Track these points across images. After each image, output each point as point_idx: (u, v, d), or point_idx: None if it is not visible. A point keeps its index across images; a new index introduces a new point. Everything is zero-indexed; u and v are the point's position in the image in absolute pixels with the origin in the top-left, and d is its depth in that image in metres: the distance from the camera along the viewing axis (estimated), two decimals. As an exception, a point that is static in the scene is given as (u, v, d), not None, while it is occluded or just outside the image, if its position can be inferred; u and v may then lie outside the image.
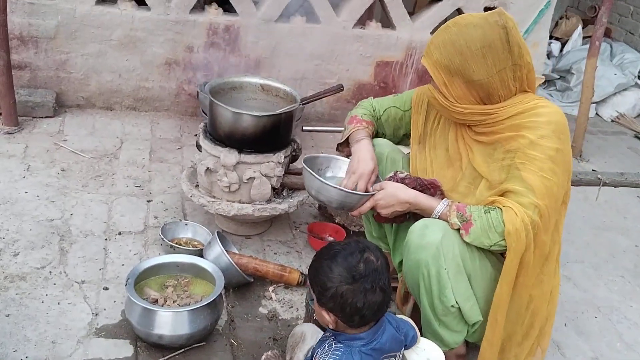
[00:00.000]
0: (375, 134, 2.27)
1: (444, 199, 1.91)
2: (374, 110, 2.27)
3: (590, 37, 5.51)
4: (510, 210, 1.78)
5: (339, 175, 2.25)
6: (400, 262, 2.29)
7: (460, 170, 1.98)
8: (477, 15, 1.85)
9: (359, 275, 1.58)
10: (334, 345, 1.65)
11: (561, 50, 5.37)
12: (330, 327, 1.66)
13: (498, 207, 1.81)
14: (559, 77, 5.13)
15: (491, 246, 1.82)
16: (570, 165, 1.90)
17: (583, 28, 5.50)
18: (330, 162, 2.30)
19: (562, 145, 1.83)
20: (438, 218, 1.88)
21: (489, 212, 1.80)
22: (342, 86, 2.54)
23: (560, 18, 5.64)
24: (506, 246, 1.79)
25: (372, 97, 2.34)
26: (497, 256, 1.93)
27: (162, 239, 2.49)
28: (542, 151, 1.80)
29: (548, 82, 5.16)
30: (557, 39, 5.50)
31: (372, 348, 1.64)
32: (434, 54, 1.85)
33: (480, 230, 1.80)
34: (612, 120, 4.86)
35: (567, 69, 5.03)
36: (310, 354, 1.78)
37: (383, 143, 2.23)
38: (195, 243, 2.57)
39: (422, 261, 1.81)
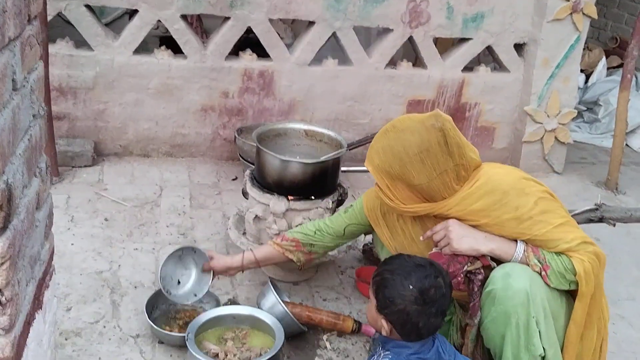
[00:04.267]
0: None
1: (518, 241, 1.86)
2: (324, 230, 2.27)
3: (614, 67, 5.57)
4: (574, 256, 1.80)
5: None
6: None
7: None
8: (415, 119, 1.87)
9: (429, 299, 1.65)
10: (382, 355, 1.71)
11: (586, 82, 5.37)
12: (383, 333, 1.73)
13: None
14: (586, 108, 5.13)
15: (569, 285, 1.83)
16: (549, 191, 1.92)
17: (606, 59, 5.51)
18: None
19: (534, 193, 1.86)
20: (519, 261, 1.84)
21: (560, 255, 1.82)
22: (390, 131, 2.54)
23: (583, 49, 5.65)
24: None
25: (318, 220, 2.37)
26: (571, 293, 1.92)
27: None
28: (530, 216, 1.83)
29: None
30: (581, 70, 5.50)
31: (418, 357, 1.69)
32: (374, 160, 1.90)
33: (557, 273, 1.81)
34: (643, 151, 4.83)
35: (594, 100, 5.03)
36: None
37: None
38: None
39: (511, 311, 1.77)
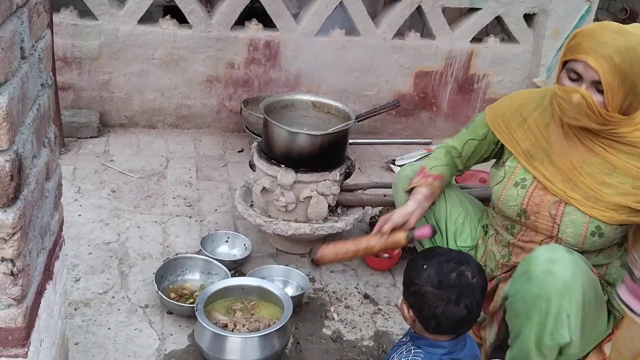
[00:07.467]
0: (460, 169, 2.23)
1: None
2: (452, 152, 2.17)
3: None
4: None
5: None
6: None
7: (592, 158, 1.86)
8: None
9: (446, 283, 1.58)
10: (413, 351, 1.64)
11: (595, 54, 5.31)
12: (408, 323, 1.68)
13: None
14: (594, 80, 5.08)
15: None
16: None
17: (616, 30, 5.44)
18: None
19: None
20: None
21: None
22: (399, 102, 2.52)
23: (593, 20, 5.59)
24: None
25: (444, 143, 2.23)
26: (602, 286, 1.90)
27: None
28: None
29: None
30: (590, 42, 5.44)
31: (452, 358, 1.63)
32: (614, 58, 1.70)
33: None
34: (651, 124, 4.80)
35: (603, 72, 4.98)
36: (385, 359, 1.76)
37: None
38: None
39: (544, 297, 1.73)
